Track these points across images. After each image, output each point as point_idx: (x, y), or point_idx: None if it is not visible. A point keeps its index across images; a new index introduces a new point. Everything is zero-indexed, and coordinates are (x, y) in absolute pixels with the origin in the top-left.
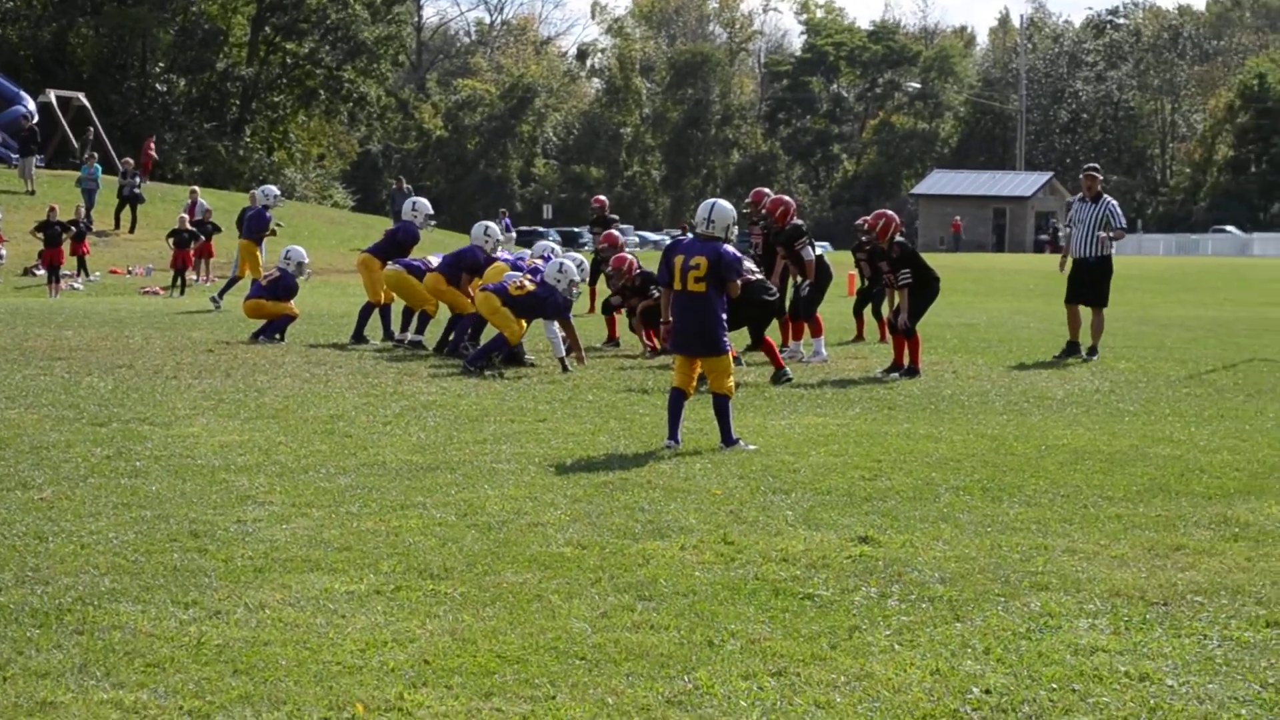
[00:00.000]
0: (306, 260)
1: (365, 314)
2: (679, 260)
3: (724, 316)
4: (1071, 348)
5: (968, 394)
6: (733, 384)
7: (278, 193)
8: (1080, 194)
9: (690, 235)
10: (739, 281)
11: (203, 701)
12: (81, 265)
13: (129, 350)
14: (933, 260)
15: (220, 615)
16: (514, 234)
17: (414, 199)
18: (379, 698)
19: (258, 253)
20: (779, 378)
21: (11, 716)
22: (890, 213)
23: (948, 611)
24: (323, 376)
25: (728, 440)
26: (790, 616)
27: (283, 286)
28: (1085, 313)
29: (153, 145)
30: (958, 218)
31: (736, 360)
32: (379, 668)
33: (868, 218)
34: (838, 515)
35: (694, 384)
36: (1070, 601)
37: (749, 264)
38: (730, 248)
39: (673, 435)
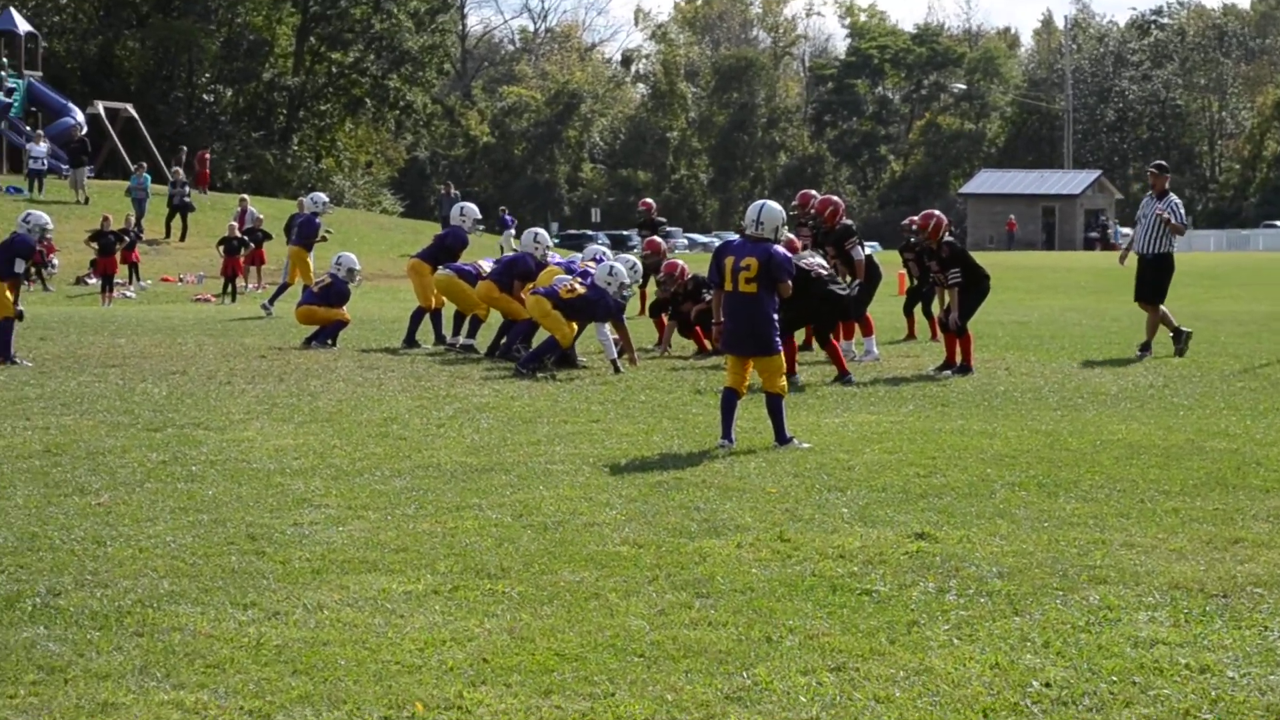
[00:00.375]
0: (358, 266)
1: (416, 319)
2: (729, 261)
3: (775, 316)
4: (1179, 336)
5: (1021, 390)
6: (785, 383)
7: (327, 199)
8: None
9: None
10: (789, 282)
11: (263, 701)
12: (134, 273)
13: (182, 357)
14: (983, 258)
15: (279, 616)
16: (513, 230)
17: (462, 204)
18: (438, 696)
19: (308, 259)
20: (844, 381)
21: (73, 718)
22: (938, 213)
23: (1006, 606)
24: (376, 380)
25: (782, 439)
26: (848, 612)
27: (335, 293)
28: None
29: (208, 157)
30: (1012, 216)
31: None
32: (438, 666)
33: (915, 218)
34: (894, 512)
35: (746, 384)
36: (1129, 594)
37: (818, 259)
38: (781, 249)
39: (726, 435)
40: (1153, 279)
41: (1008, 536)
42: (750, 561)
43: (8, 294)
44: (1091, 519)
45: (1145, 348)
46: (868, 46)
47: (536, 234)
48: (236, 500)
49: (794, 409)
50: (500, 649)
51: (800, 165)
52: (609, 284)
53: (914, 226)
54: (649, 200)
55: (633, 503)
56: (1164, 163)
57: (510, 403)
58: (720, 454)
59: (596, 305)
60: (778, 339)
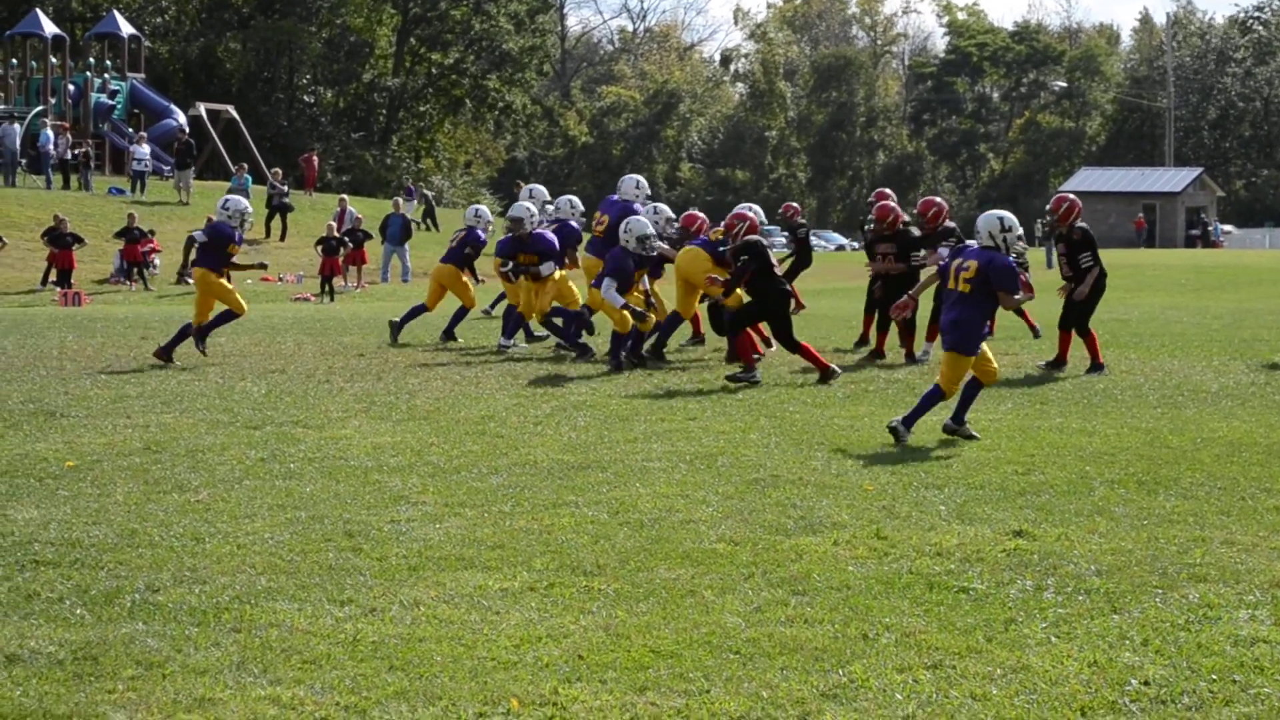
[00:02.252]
0: (491, 219)
1: (515, 317)
2: (956, 262)
3: (986, 323)
4: None
5: (1121, 388)
6: (990, 370)
7: (490, 218)
8: None
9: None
10: (1010, 294)
11: (359, 697)
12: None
13: (281, 355)
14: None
15: (375, 613)
16: (415, 201)
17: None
18: (533, 693)
19: (464, 278)
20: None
21: (170, 713)
22: (1072, 196)
23: (1105, 604)
24: (473, 378)
25: (958, 420)
26: (945, 610)
27: (470, 241)
28: None
29: (315, 159)
30: (1140, 215)
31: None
32: (533, 663)
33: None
34: (991, 510)
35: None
36: (1229, 593)
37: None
38: (1004, 257)
39: (958, 419)
40: None
41: (1106, 534)
42: (847, 559)
43: (227, 286)
44: (1191, 517)
45: None
46: (966, 45)
47: (571, 200)
48: (334, 497)
49: (893, 406)
50: (596, 646)
51: (899, 164)
52: (628, 241)
53: (1047, 209)
54: (793, 204)
55: (729, 500)
56: None
57: (607, 400)
58: (819, 453)
59: (623, 263)
60: (978, 344)
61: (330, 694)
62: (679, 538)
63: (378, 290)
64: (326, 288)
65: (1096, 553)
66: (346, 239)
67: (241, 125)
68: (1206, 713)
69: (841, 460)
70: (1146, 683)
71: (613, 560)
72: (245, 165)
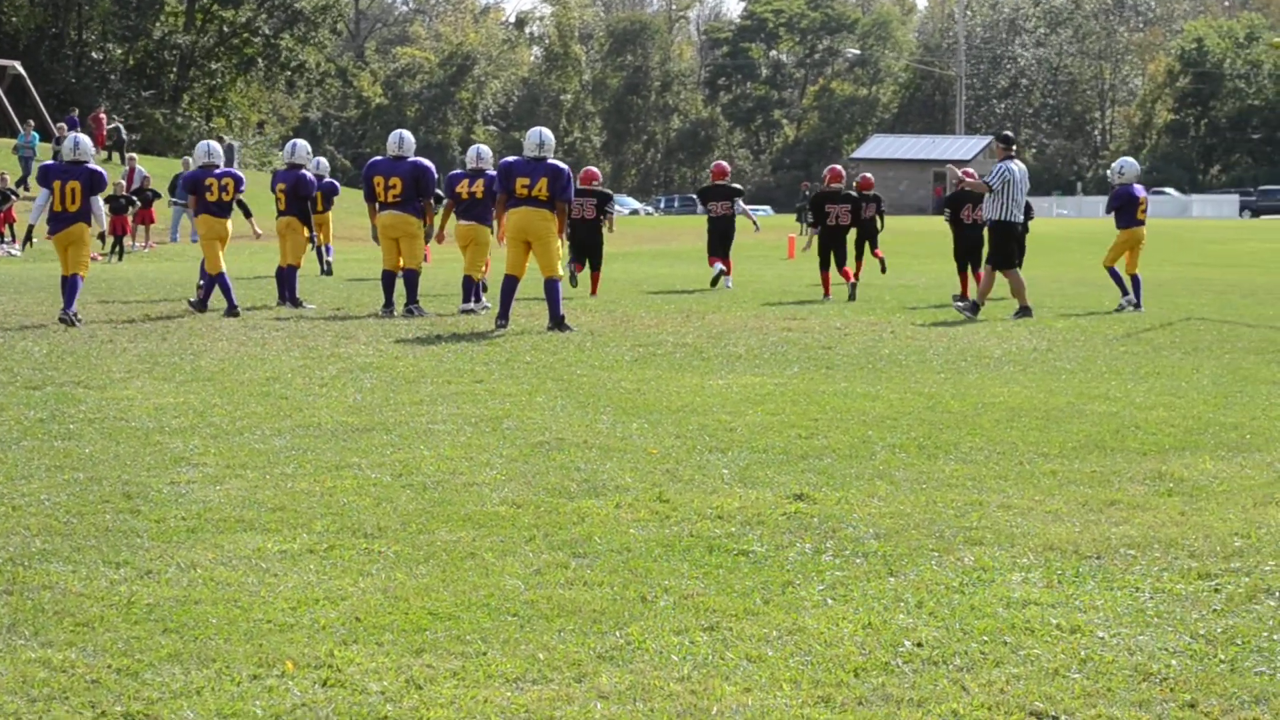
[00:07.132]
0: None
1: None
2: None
3: None
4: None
5: (905, 353)
6: None
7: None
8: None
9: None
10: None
11: (132, 660)
12: (10, 231)
13: None
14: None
15: (151, 575)
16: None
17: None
18: (309, 655)
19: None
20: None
21: None
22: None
23: (881, 566)
24: (260, 339)
25: None
26: (724, 573)
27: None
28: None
29: (104, 115)
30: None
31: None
32: (310, 625)
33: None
34: (774, 473)
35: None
36: (1004, 556)
37: None
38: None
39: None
40: None
41: (886, 498)
42: (628, 522)
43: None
44: (970, 481)
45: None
46: (762, 10)
47: (302, 145)
48: (114, 458)
49: (678, 370)
50: (373, 608)
51: (694, 129)
52: None
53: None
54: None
55: (513, 463)
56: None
57: (394, 362)
58: (604, 416)
59: None
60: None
61: (102, 656)
62: (461, 500)
63: (166, 250)
64: (117, 247)
65: (875, 516)
66: (135, 198)
67: (28, 81)
68: (977, 673)
69: (627, 423)
70: (919, 644)
71: (394, 523)
72: (32, 122)
